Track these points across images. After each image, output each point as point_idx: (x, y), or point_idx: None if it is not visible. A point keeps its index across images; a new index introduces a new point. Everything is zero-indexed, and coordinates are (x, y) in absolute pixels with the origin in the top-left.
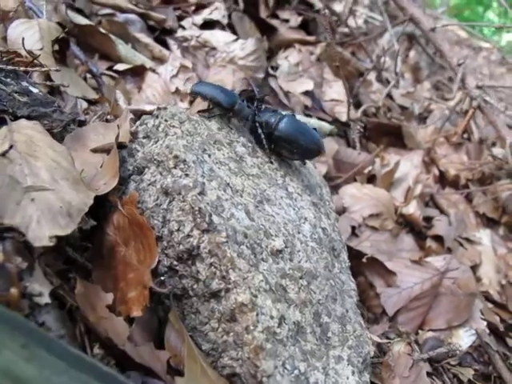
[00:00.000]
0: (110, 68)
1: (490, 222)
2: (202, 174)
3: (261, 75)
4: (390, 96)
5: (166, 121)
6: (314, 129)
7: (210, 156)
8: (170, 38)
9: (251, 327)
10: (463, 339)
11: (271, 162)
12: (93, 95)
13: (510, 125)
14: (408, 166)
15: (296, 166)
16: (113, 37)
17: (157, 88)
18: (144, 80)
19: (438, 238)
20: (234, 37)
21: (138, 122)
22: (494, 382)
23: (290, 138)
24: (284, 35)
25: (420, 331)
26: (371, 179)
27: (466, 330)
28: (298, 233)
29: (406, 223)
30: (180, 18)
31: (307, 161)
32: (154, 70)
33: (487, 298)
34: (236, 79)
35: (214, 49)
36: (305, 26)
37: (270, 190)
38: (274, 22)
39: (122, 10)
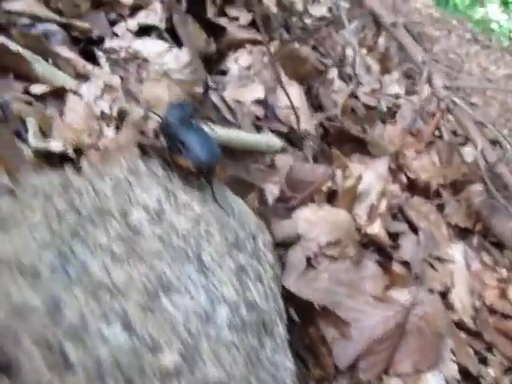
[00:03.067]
0: (27, 90)
1: (462, 232)
2: (61, 282)
3: (200, 90)
4: (354, 95)
5: (26, 209)
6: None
7: (84, 242)
8: (98, 49)
9: None
10: None
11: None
12: None
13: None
14: (372, 176)
15: (222, 219)
16: (28, 53)
17: (79, 112)
18: (65, 103)
19: (405, 262)
20: (166, 46)
21: None
22: None
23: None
24: (233, 35)
25: (384, 376)
26: (332, 196)
27: (434, 375)
28: (207, 328)
29: (371, 243)
30: (113, 23)
31: (245, 205)
32: (75, 92)
33: (460, 326)
34: (172, 95)
35: (146, 60)
36: (256, 23)
37: (172, 271)
38: (222, 21)
39: (41, 20)
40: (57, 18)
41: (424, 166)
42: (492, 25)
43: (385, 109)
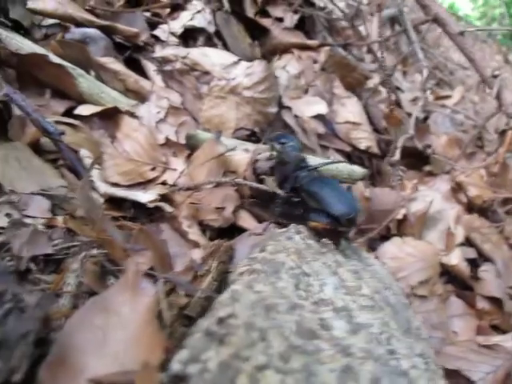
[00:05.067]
0: (69, 110)
1: None
2: None
3: (274, 109)
4: (398, 103)
5: None
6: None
7: None
8: (147, 58)
9: None
10: None
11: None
12: (57, 181)
13: None
14: (438, 199)
15: (383, 295)
16: (70, 66)
17: (138, 139)
18: (119, 127)
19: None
20: (235, 58)
21: None
22: None
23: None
24: (278, 38)
25: None
26: (401, 221)
27: None
28: None
29: (446, 272)
30: (152, 26)
31: (378, 262)
32: (132, 114)
33: None
34: (241, 116)
35: (207, 73)
36: (300, 24)
37: None
38: (265, 22)
39: (77, 23)
40: (95, 19)
41: (475, 181)
42: (460, 13)
43: (421, 116)
